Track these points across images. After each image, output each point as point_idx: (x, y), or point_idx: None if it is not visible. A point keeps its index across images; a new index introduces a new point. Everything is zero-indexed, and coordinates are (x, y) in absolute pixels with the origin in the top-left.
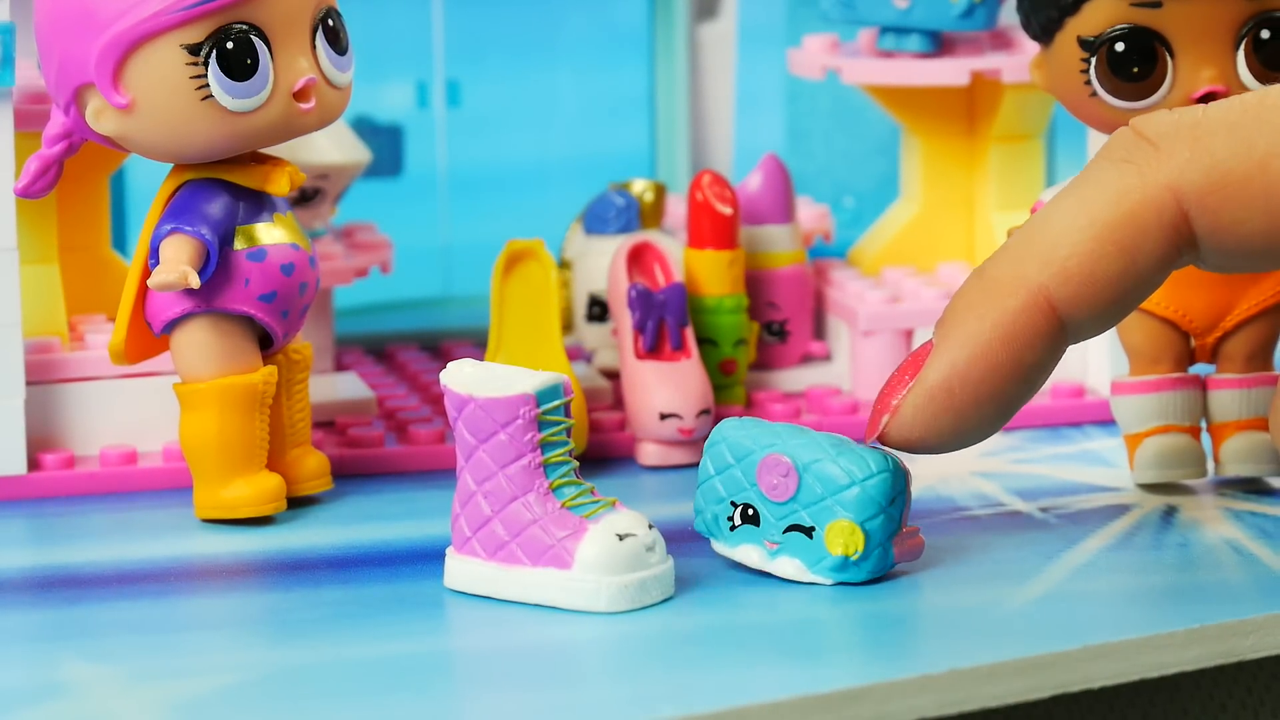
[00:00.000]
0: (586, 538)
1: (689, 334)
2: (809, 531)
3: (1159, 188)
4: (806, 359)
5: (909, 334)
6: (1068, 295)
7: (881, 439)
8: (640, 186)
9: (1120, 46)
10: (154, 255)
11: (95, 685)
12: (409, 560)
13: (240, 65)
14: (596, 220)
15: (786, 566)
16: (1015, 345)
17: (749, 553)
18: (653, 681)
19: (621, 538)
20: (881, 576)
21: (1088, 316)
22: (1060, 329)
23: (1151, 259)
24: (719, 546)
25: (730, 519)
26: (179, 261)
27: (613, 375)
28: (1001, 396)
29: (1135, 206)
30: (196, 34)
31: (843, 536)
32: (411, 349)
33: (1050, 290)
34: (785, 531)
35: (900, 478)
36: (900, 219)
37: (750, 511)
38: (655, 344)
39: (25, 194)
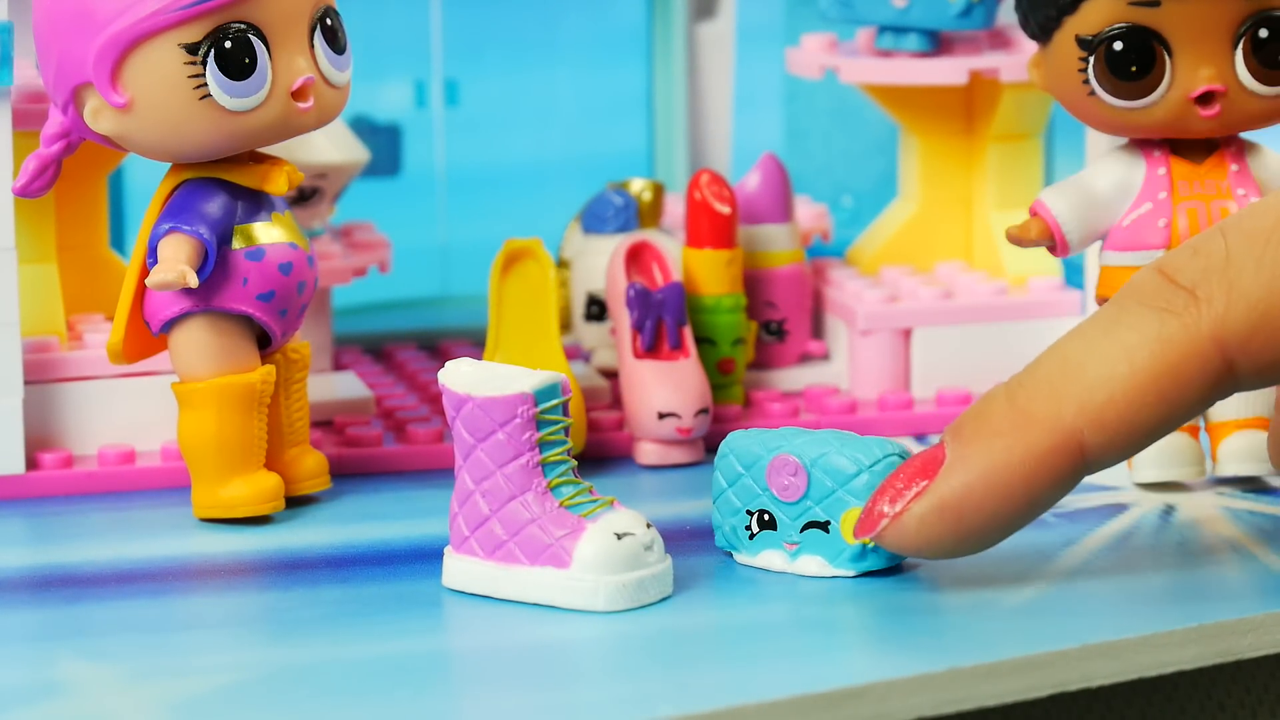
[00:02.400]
0: (585, 537)
1: (687, 333)
2: (825, 526)
3: (1204, 340)
4: (805, 358)
5: (907, 333)
6: (1101, 441)
7: (877, 540)
8: (638, 186)
9: (1118, 46)
10: (152, 254)
11: (93, 684)
12: (407, 559)
13: (238, 65)
14: (595, 219)
15: (809, 565)
16: (1035, 482)
17: (771, 558)
18: (651, 681)
19: (620, 537)
20: (880, 571)
21: (1114, 458)
22: (1083, 468)
23: (1189, 407)
24: (742, 558)
25: (748, 528)
26: (177, 260)
27: (611, 374)
28: (1007, 525)
29: (1179, 359)
30: (194, 33)
31: None
32: (410, 348)
33: (1084, 435)
34: (803, 530)
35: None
36: (898, 218)
37: (766, 517)
38: (653, 343)
39: (23, 193)
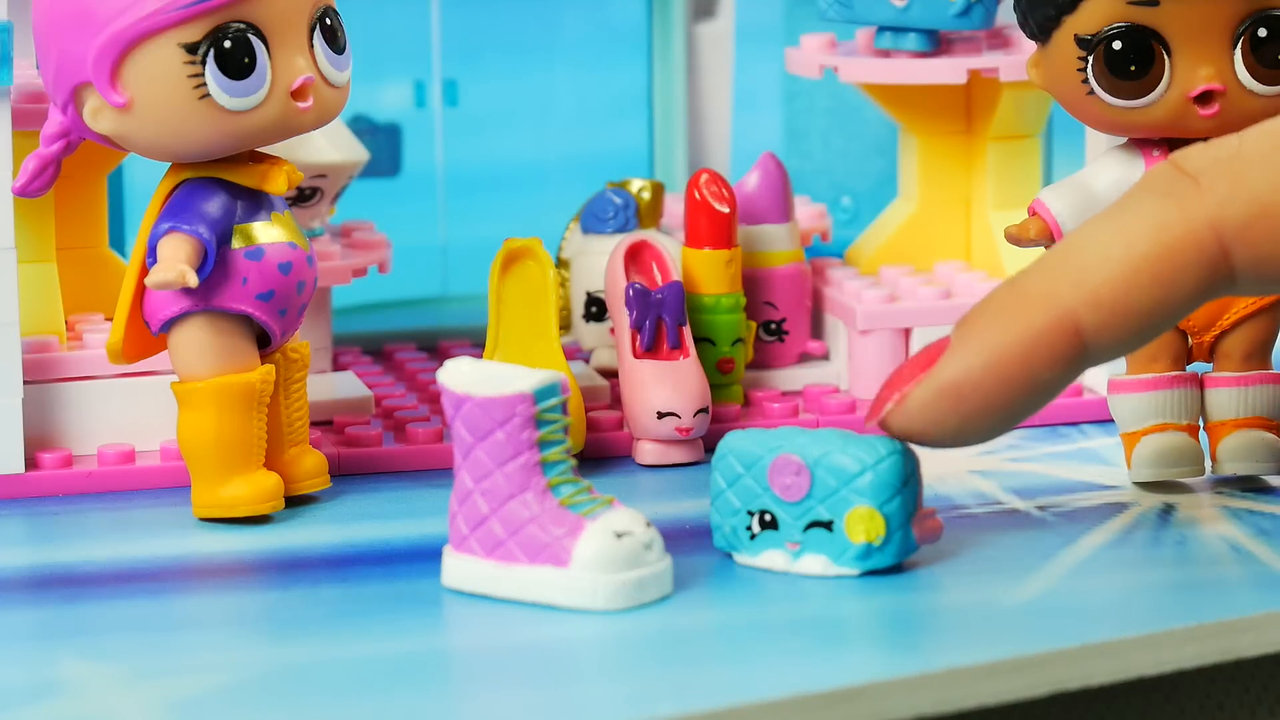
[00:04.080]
0: (584, 536)
1: (686, 333)
2: (828, 525)
3: (1200, 223)
4: (804, 358)
5: (906, 333)
6: (1096, 321)
7: (882, 424)
8: (638, 185)
9: (1117, 45)
10: (152, 254)
11: (93, 684)
12: (407, 559)
13: (238, 64)
14: (594, 219)
15: (812, 564)
16: (1033, 361)
17: (773, 558)
18: (650, 680)
19: (619, 536)
20: (878, 572)
21: (1111, 343)
22: (1081, 352)
23: (1184, 293)
24: (742, 558)
25: (749, 528)
26: (177, 260)
27: (610, 374)
28: (1009, 407)
29: (1174, 241)
30: (194, 33)
31: (863, 524)
32: (409, 348)
33: (1079, 314)
34: (805, 530)
35: (910, 459)
36: (898, 218)
37: (768, 517)
38: (653, 343)
39: (23, 193)
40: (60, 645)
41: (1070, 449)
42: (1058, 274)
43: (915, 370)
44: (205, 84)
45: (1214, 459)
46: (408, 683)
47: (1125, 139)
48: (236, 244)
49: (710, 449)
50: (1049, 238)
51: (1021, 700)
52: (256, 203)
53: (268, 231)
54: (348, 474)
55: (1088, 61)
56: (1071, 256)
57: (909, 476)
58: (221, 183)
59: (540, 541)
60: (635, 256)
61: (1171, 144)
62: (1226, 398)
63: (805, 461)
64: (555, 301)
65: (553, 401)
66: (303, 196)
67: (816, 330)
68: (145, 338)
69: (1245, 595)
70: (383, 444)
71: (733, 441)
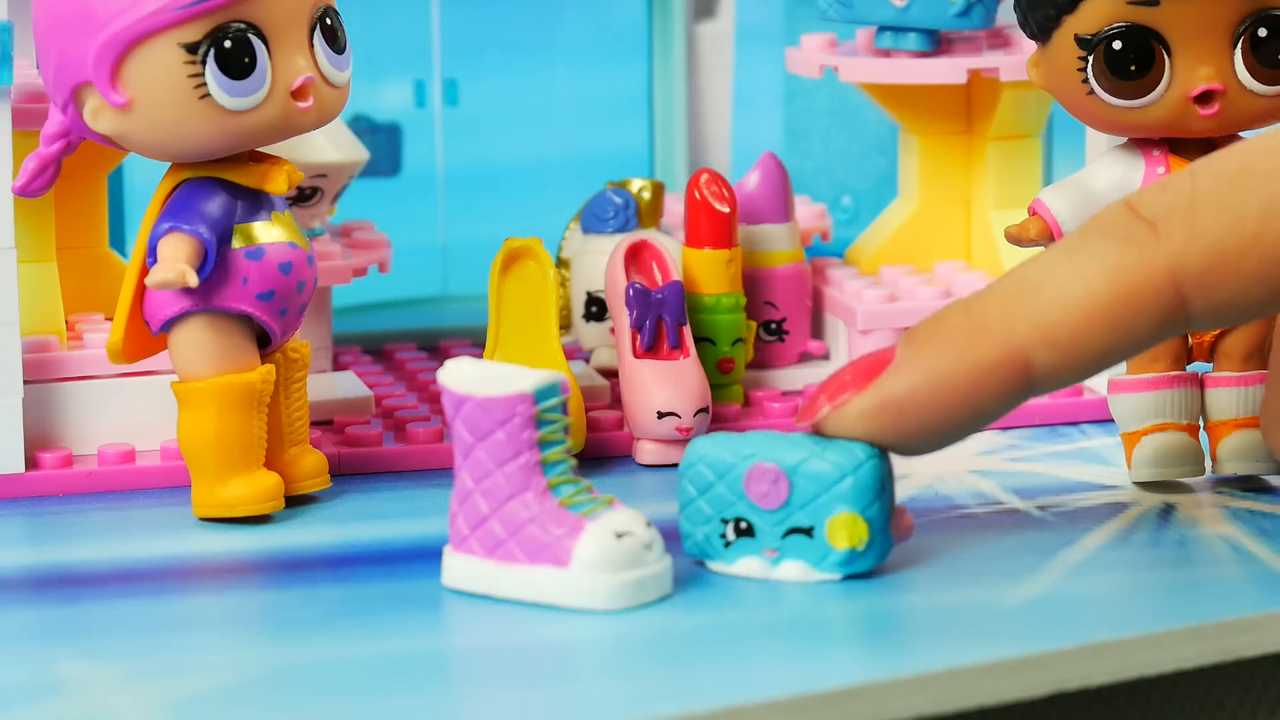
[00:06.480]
0: (584, 536)
1: (687, 333)
2: (808, 531)
3: (1159, 271)
4: (804, 358)
5: None
6: (1048, 361)
7: (815, 427)
8: (638, 185)
9: (1118, 45)
10: (152, 254)
11: (93, 683)
12: (407, 559)
13: (238, 64)
14: (594, 219)
15: (791, 570)
16: (979, 392)
17: (749, 565)
18: (650, 680)
19: (619, 536)
20: (879, 571)
21: (1059, 380)
22: (1027, 387)
23: (1139, 338)
24: (716, 566)
25: (723, 536)
26: (177, 260)
27: (611, 374)
28: (946, 430)
29: (1133, 288)
30: (194, 33)
31: (845, 529)
32: (409, 348)
33: (1031, 352)
34: (784, 536)
35: (885, 462)
36: (898, 218)
37: (744, 525)
38: (653, 343)
39: (23, 192)
40: (60, 645)
41: (1070, 449)
42: (1014, 310)
43: (857, 378)
44: (205, 84)
45: (1214, 459)
46: (408, 683)
47: (1125, 139)
48: (237, 244)
49: None
50: (1049, 237)
51: (1021, 700)
52: (257, 202)
53: (268, 231)
54: (348, 474)
55: (1088, 61)
56: (1029, 294)
57: (886, 479)
58: (221, 183)
59: (540, 541)
60: (635, 256)
61: (1172, 144)
62: (1226, 398)
63: (783, 468)
64: (555, 301)
65: (553, 401)
66: (303, 196)
67: (817, 330)
68: (145, 338)
69: (1245, 595)
70: (383, 444)
71: (701, 448)
